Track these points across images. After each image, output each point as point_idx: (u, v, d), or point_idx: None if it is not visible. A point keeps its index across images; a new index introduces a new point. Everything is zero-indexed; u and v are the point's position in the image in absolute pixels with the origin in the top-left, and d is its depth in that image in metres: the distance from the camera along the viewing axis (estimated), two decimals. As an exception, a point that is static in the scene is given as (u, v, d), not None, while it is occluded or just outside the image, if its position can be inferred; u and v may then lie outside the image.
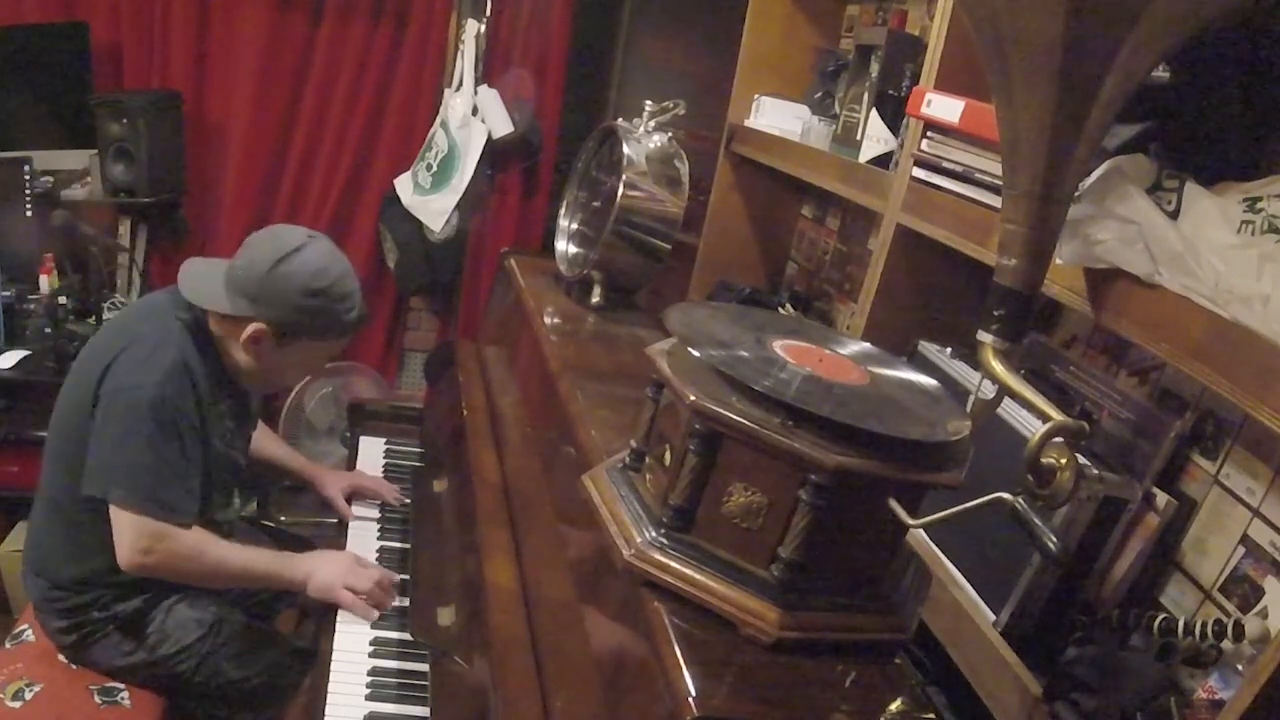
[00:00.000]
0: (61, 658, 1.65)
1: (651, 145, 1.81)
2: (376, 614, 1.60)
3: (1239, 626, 0.93)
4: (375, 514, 1.93)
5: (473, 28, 2.98)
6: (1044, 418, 0.85)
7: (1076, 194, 0.92)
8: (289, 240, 1.58)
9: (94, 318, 2.57)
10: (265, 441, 2.04)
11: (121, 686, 1.63)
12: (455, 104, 2.98)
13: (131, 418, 1.48)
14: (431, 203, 3.01)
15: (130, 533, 1.51)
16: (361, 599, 1.59)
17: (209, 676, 1.66)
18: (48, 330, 2.55)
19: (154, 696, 1.65)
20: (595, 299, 1.85)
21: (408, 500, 1.96)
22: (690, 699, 0.80)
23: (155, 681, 1.65)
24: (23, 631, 1.70)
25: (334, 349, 1.70)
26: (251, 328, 1.56)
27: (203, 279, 1.60)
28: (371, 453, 2.16)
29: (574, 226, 2.00)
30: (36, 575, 1.65)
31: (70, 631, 1.61)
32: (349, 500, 1.95)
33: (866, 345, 1.10)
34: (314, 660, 1.66)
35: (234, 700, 1.71)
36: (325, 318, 1.58)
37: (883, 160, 1.58)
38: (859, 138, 1.64)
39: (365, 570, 1.64)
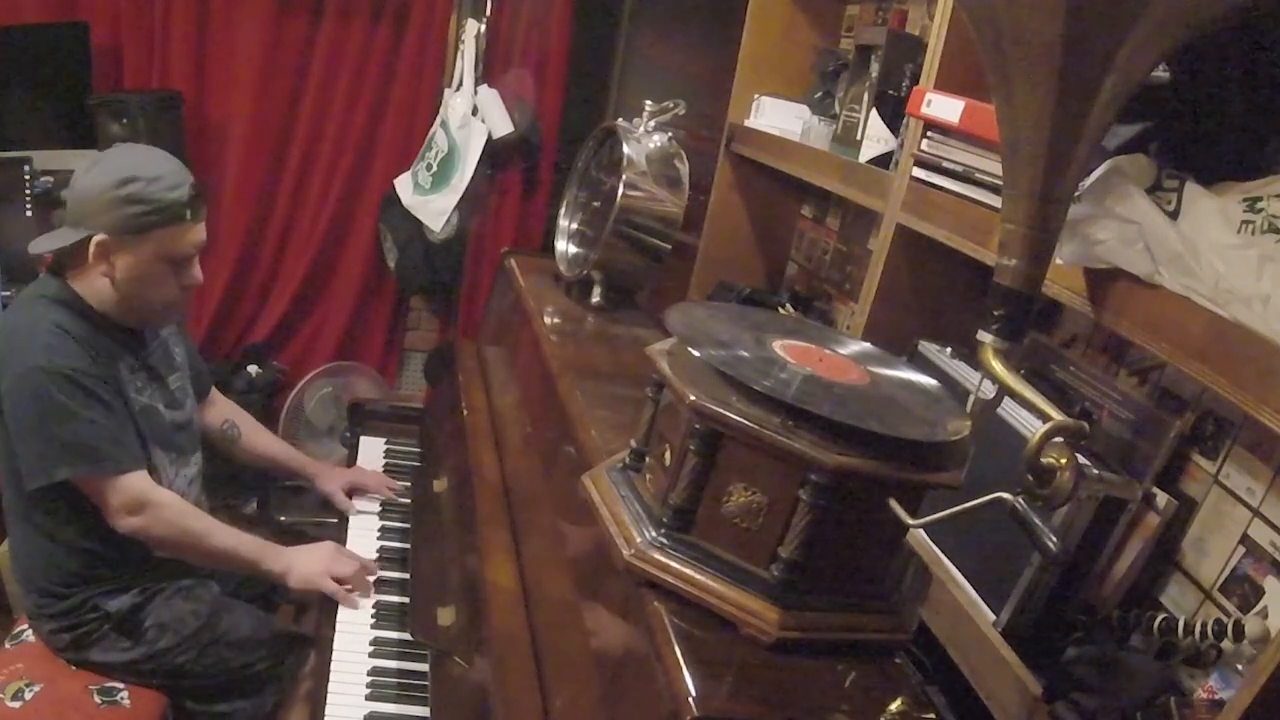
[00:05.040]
0: (61, 658, 1.65)
1: (651, 145, 1.81)
2: (361, 603, 1.61)
3: (1239, 626, 0.93)
4: (375, 508, 1.94)
5: (473, 28, 2.98)
6: (1044, 418, 0.85)
7: (1076, 194, 0.92)
8: (83, 165, 1.58)
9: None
10: (263, 440, 2.04)
11: (121, 686, 1.63)
12: (455, 104, 2.99)
13: (37, 400, 1.48)
14: (431, 203, 3.01)
15: (112, 499, 1.52)
16: (346, 587, 1.61)
17: (210, 666, 1.66)
18: (48, 330, 2.54)
19: (154, 696, 1.65)
20: (595, 299, 1.85)
21: (407, 485, 1.96)
22: (690, 699, 0.80)
23: (156, 676, 1.65)
24: (23, 631, 1.70)
25: (186, 240, 1.59)
26: (93, 243, 1.52)
27: (51, 236, 1.61)
28: (371, 453, 2.16)
29: (574, 226, 2.00)
30: (23, 587, 1.65)
31: (64, 632, 1.61)
32: (349, 496, 1.96)
33: (866, 345, 1.10)
34: (313, 647, 1.65)
35: (235, 690, 1.71)
36: (151, 203, 1.53)
37: (883, 160, 1.58)
38: (859, 138, 1.64)
39: (348, 559, 1.66)
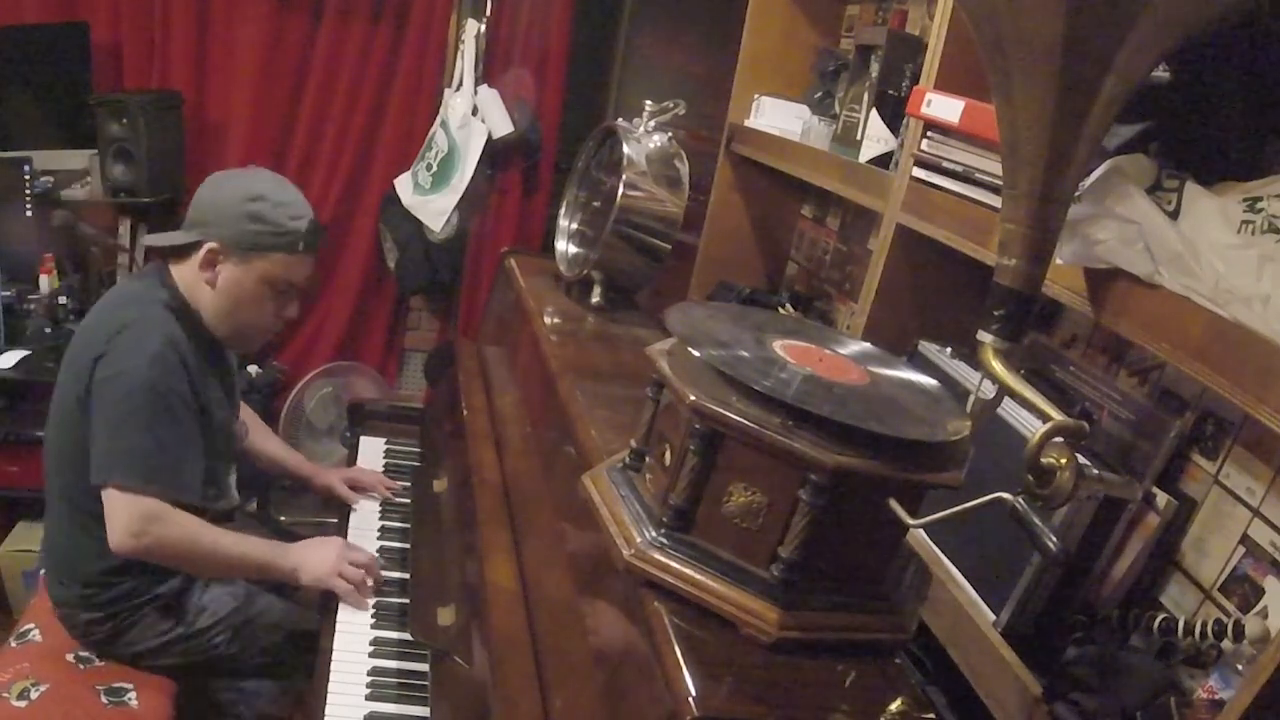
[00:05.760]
0: (69, 658, 1.65)
1: (651, 145, 1.81)
2: (370, 603, 1.61)
3: (1239, 626, 0.93)
4: (376, 507, 1.94)
5: (473, 28, 2.98)
6: (1044, 418, 0.85)
7: (1076, 194, 0.92)
8: (219, 175, 1.67)
9: (94, 318, 2.57)
10: (264, 440, 2.06)
11: (130, 686, 1.62)
12: (455, 104, 2.99)
13: (126, 403, 1.50)
14: (431, 203, 3.01)
15: (123, 515, 1.51)
16: (354, 585, 1.61)
17: (243, 647, 1.69)
18: (48, 330, 2.55)
19: (162, 697, 1.65)
20: (595, 299, 1.85)
21: (406, 485, 1.97)
22: (690, 699, 0.80)
23: (185, 658, 1.67)
24: (29, 631, 1.70)
25: (294, 270, 1.67)
26: (204, 249, 1.59)
27: (165, 236, 1.69)
28: (371, 453, 2.16)
29: (574, 226, 2.00)
30: (63, 579, 1.64)
31: (106, 622, 1.62)
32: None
33: (866, 345, 1.10)
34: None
35: (259, 672, 1.73)
36: (271, 224, 1.60)
37: (883, 160, 1.58)
38: (859, 138, 1.64)
39: (356, 555, 1.66)
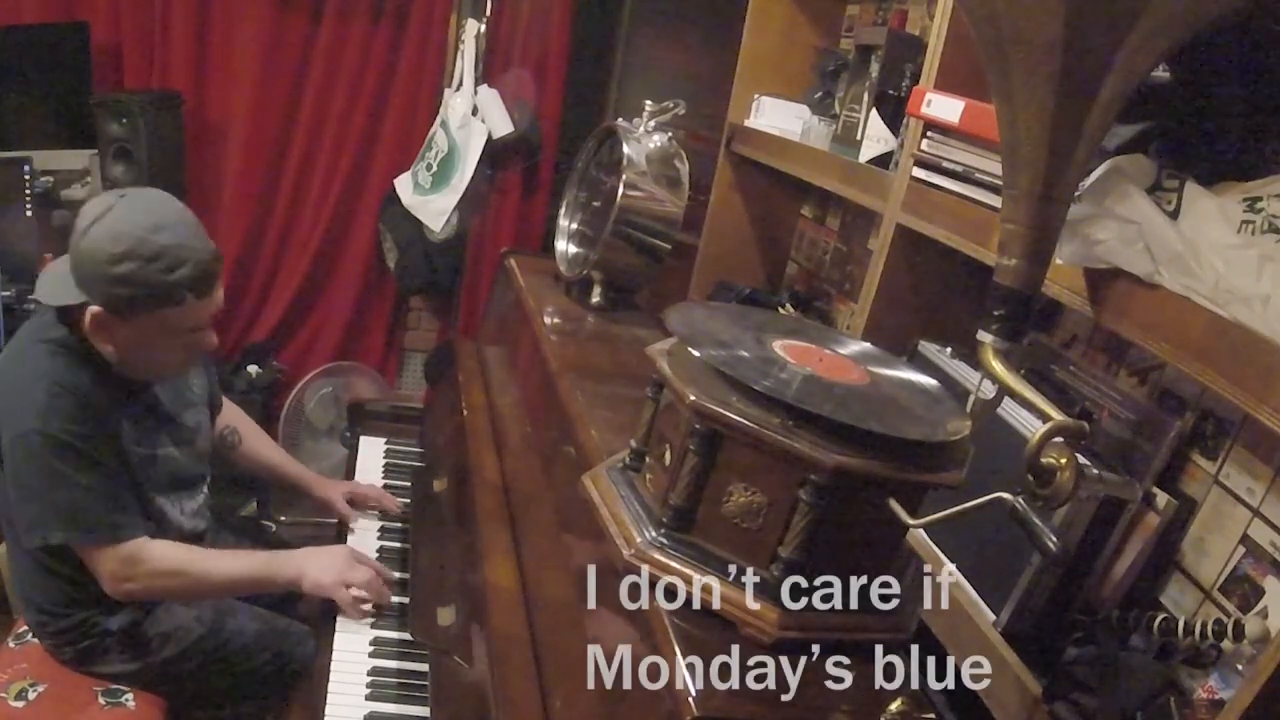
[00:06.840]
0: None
1: (651, 145, 1.81)
2: (371, 617, 1.58)
3: (1239, 626, 0.93)
4: (375, 522, 1.89)
5: (473, 28, 2.98)
6: (1044, 418, 0.85)
7: (1076, 194, 0.92)
8: (91, 211, 1.42)
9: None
10: (263, 448, 2.01)
11: (126, 688, 1.62)
12: (455, 104, 2.99)
13: (33, 463, 1.43)
14: (431, 203, 3.01)
15: (103, 566, 1.48)
16: (360, 596, 1.57)
17: (217, 673, 1.65)
18: (48, 330, 2.54)
19: (159, 699, 1.64)
20: (595, 299, 1.85)
21: (406, 502, 1.94)
22: (690, 699, 0.80)
23: (162, 684, 1.64)
24: (27, 632, 1.69)
25: (191, 317, 1.48)
26: (87, 314, 1.41)
27: (59, 278, 1.47)
28: (371, 453, 2.15)
29: (574, 226, 2.00)
30: (22, 602, 1.63)
31: (66, 646, 1.60)
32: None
33: (866, 345, 1.10)
34: (318, 643, 1.63)
35: (239, 693, 1.70)
36: (145, 285, 1.39)
37: (883, 160, 1.58)
38: (859, 138, 1.64)
39: (362, 565, 1.62)
